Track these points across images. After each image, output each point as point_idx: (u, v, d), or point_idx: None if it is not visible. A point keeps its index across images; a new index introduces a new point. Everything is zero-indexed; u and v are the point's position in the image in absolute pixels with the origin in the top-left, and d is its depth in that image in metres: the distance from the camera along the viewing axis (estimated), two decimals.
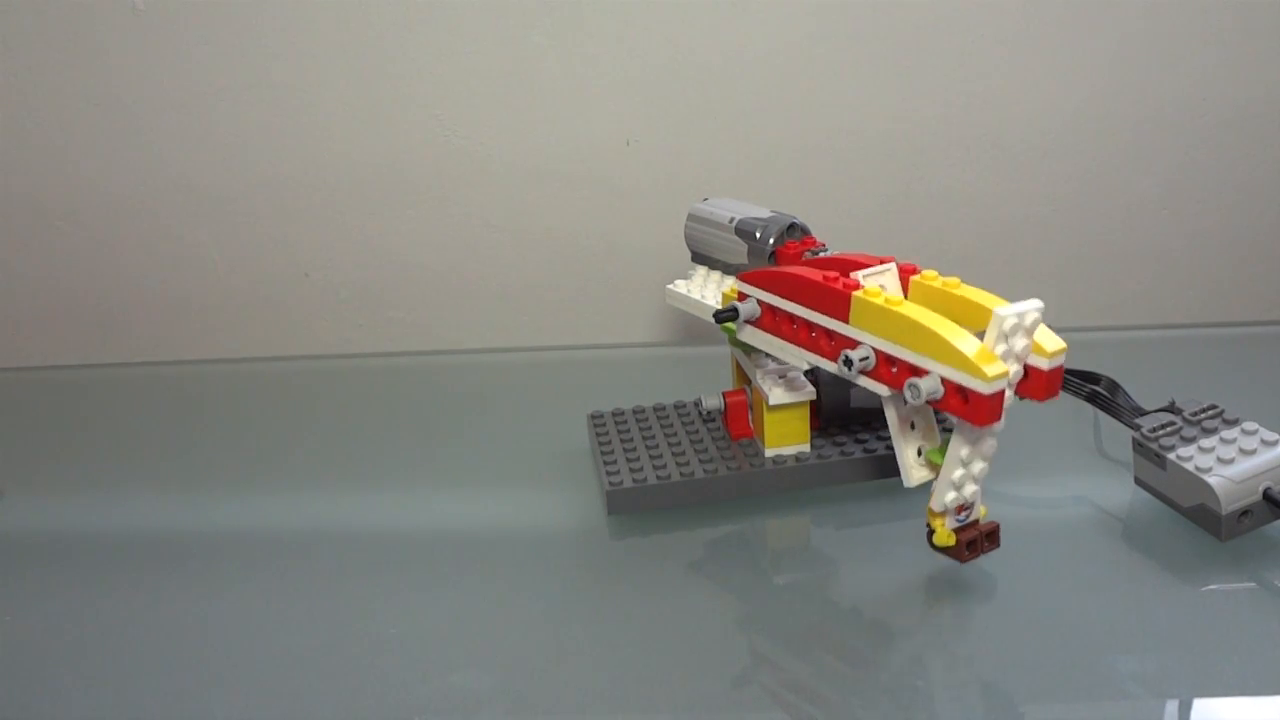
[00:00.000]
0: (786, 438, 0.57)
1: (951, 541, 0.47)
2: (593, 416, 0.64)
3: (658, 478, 0.56)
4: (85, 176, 0.85)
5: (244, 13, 0.80)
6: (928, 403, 0.44)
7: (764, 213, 0.58)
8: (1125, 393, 0.60)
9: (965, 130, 0.83)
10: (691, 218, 0.61)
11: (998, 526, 0.48)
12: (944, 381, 0.43)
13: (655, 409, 0.65)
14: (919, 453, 0.49)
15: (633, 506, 0.56)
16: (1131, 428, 0.56)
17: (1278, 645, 0.44)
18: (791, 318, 0.51)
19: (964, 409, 0.43)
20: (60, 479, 0.67)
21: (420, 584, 0.52)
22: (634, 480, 0.56)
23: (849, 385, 0.59)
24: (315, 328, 0.90)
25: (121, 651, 0.48)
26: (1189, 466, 0.50)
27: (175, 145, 0.84)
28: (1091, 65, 0.81)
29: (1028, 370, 0.44)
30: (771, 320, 0.52)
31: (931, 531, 0.48)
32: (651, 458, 0.58)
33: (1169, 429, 0.53)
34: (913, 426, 0.49)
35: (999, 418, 0.42)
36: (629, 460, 0.58)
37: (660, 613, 0.49)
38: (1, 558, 0.58)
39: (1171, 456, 0.51)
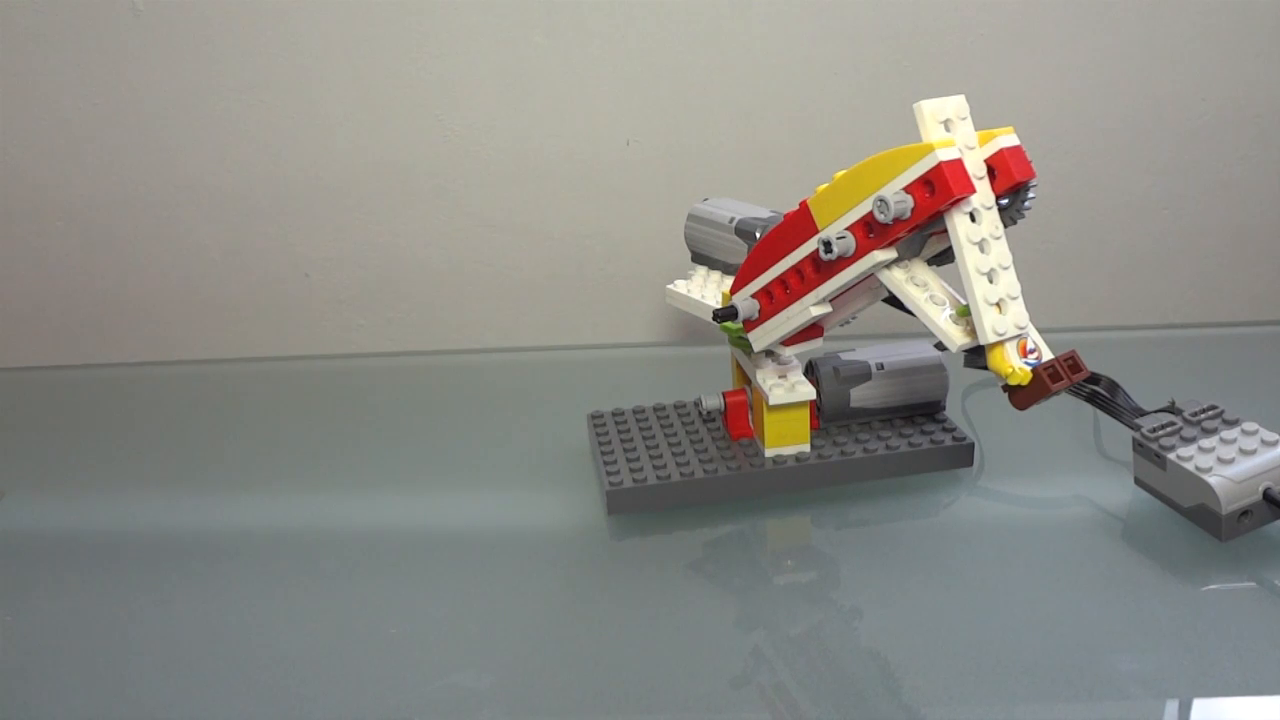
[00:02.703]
0: (786, 438, 0.57)
1: (1027, 379, 0.44)
2: (593, 416, 0.64)
3: (658, 478, 0.56)
4: (85, 177, 0.85)
5: (244, 13, 0.80)
6: (902, 223, 0.43)
7: (764, 213, 0.58)
8: (1125, 393, 0.60)
9: None
10: (691, 218, 0.61)
11: (1075, 353, 0.44)
12: (906, 190, 0.43)
13: (655, 409, 0.65)
14: (949, 319, 0.46)
15: (633, 506, 0.56)
16: (1131, 428, 0.56)
17: (1277, 645, 0.44)
18: (782, 280, 0.51)
19: (932, 199, 0.42)
20: (60, 479, 0.67)
21: (420, 584, 0.52)
22: (634, 480, 0.56)
23: (849, 385, 0.60)
24: (315, 328, 0.90)
25: (121, 651, 0.48)
26: (1189, 466, 0.50)
27: (175, 145, 0.84)
28: (1090, 65, 0.81)
29: (994, 164, 0.44)
30: (769, 300, 0.52)
31: (1009, 387, 0.45)
32: (651, 458, 0.58)
33: (1169, 429, 0.53)
34: (926, 289, 0.47)
35: (971, 186, 0.42)
36: (629, 460, 0.58)
37: (660, 613, 0.49)
38: (1, 558, 0.58)
39: (1171, 456, 0.51)
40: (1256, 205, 0.85)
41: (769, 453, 0.57)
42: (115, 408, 0.80)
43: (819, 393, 0.59)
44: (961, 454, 0.58)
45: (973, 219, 0.44)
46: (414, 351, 0.90)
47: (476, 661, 0.46)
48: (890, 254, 0.46)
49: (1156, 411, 0.56)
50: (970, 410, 0.68)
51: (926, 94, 0.85)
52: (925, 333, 0.48)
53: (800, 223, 0.49)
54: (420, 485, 0.64)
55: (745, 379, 0.60)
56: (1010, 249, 0.44)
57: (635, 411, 0.65)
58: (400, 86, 0.82)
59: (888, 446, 0.58)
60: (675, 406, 0.65)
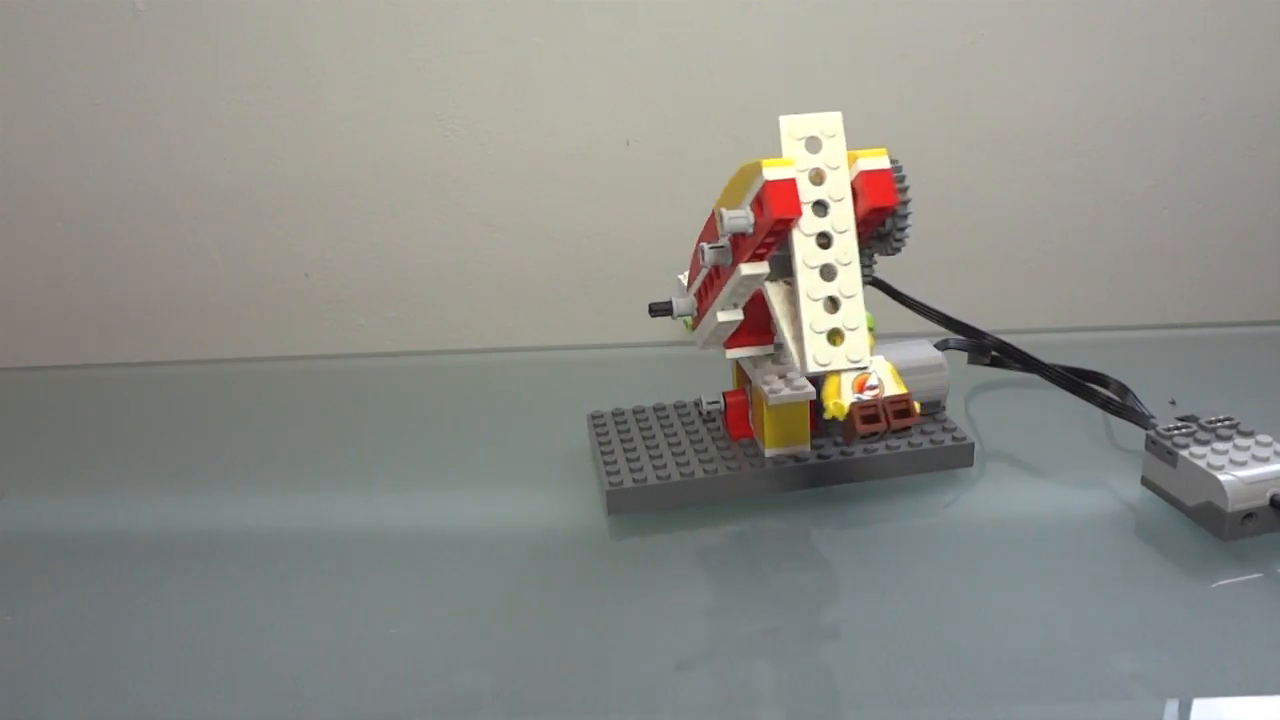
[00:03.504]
0: (786, 438, 0.57)
1: (842, 414, 0.42)
2: (593, 416, 0.64)
3: (658, 478, 0.56)
4: (85, 177, 0.85)
5: (244, 13, 0.80)
6: (749, 239, 0.43)
7: None
8: (1134, 396, 0.61)
9: (964, 130, 0.83)
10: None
11: (908, 398, 0.42)
12: (751, 206, 0.42)
13: (655, 409, 0.65)
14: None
15: (633, 506, 0.56)
16: (1145, 427, 0.56)
17: (1278, 645, 0.44)
18: (705, 283, 0.52)
19: (764, 217, 0.41)
20: (60, 479, 0.67)
21: (420, 584, 0.52)
22: (634, 480, 0.56)
23: None
24: (315, 328, 0.90)
25: (121, 651, 0.48)
26: (1200, 464, 0.50)
27: (175, 145, 0.84)
28: (1090, 65, 0.81)
29: (855, 188, 0.42)
30: (701, 300, 0.53)
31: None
32: (651, 458, 0.58)
33: (1184, 430, 0.53)
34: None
35: (795, 209, 0.41)
36: (629, 460, 0.58)
37: (660, 613, 0.49)
38: (1, 558, 0.58)
39: (1184, 454, 0.51)
40: (1257, 205, 0.85)
41: (769, 453, 0.57)
42: (115, 408, 0.80)
43: (819, 393, 0.59)
44: (961, 454, 0.58)
45: (823, 242, 0.42)
46: (414, 351, 0.90)
47: (476, 661, 0.46)
48: (758, 269, 0.44)
49: (1175, 420, 0.56)
50: (970, 410, 0.67)
51: (926, 94, 0.85)
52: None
53: (711, 226, 0.49)
54: (420, 485, 0.64)
55: (745, 379, 0.60)
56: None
57: (635, 411, 0.65)
58: (400, 86, 0.82)
59: (888, 446, 0.58)
60: (675, 406, 0.65)
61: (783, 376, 0.57)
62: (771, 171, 0.41)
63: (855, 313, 0.42)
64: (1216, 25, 0.80)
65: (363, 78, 0.81)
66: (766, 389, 0.55)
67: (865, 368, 0.42)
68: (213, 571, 0.54)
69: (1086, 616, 0.46)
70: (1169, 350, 0.81)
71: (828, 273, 0.42)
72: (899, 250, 0.43)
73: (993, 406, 0.68)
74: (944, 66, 0.81)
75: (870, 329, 0.43)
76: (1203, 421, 0.54)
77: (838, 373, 0.42)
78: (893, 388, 0.43)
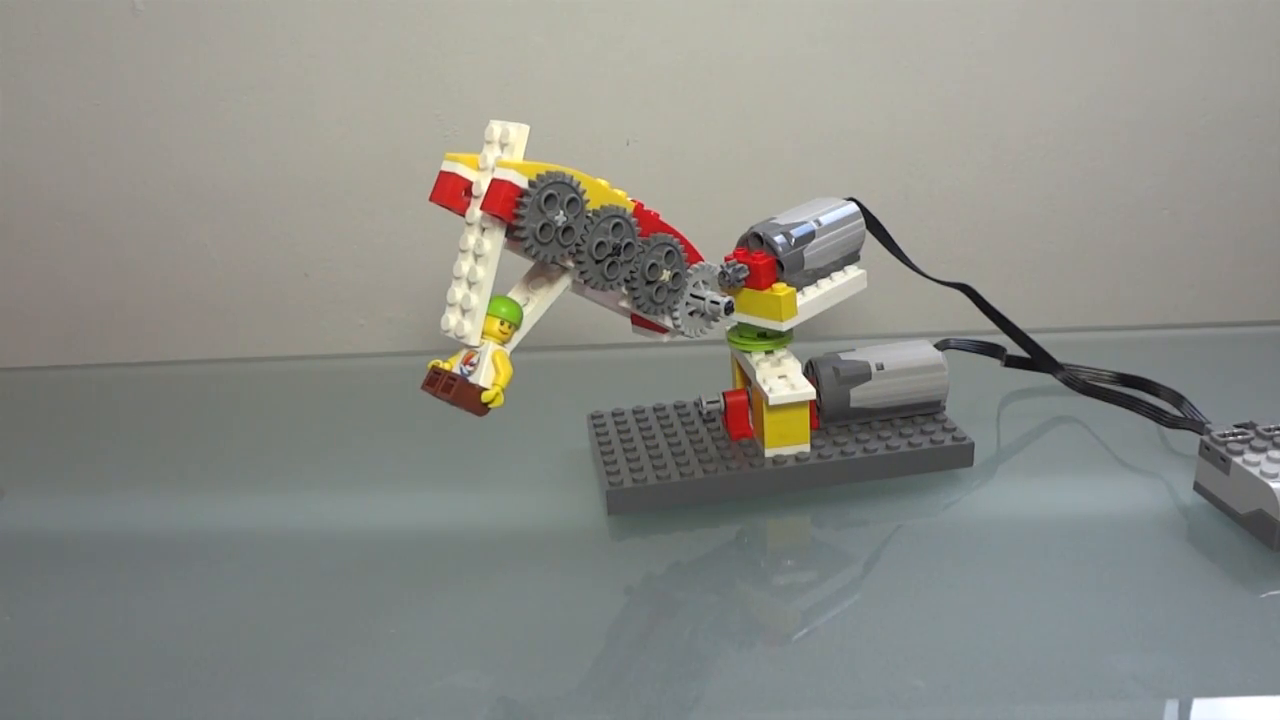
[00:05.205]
0: (786, 438, 0.57)
1: (428, 368, 0.49)
2: (593, 417, 0.64)
3: (658, 478, 0.56)
4: (85, 177, 0.85)
5: (244, 13, 0.80)
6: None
7: (792, 219, 0.57)
8: (1190, 404, 0.61)
9: (965, 130, 0.83)
10: None
11: (453, 378, 0.48)
12: None
13: (655, 409, 0.65)
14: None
15: (633, 506, 0.56)
16: (1200, 432, 0.56)
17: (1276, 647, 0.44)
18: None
19: None
20: (60, 479, 0.67)
21: (420, 584, 0.52)
22: (634, 480, 0.56)
23: (849, 385, 0.60)
24: (315, 328, 0.90)
25: (121, 651, 0.48)
26: (1254, 471, 0.50)
27: (175, 145, 0.84)
28: (1091, 65, 0.81)
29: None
30: None
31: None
32: (651, 458, 0.58)
33: (1240, 437, 0.53)
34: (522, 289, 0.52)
35: (440, 196, 0.48)
36: (629, 460, 0.58)
37: (660, 613, 0.49)
38: (1, 558, 0.58)
39: (1237, 460, 0.51)
40: (1257, 206, 0.86)
41: (769, 453, 0.57)
42: (115, 408, 0.80)
43: (819, 393, 0.59)
44: (961, 454, 0.58)
45: (480, 231, 0.48)
46: (414, 352, 0.90)
47: (476, 661, 0.46)
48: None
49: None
50: (971, 410, 0.67)
51: (926, 94, 0.85)
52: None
53: None
54: (420, 485, 0.64)
55: (745, 379, 0.60)
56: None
57: (635, 411, 0.65)
58: (400, 86, 0.82)
59: (888, 446, 0.58)
60: (675, 406, 0.65)
61: (783, 376, 0.57)
62: (445, 165, 0.48)
63: (475, 299, 0.48)
64: (1216, 25, 0.80)
65: (362, 78, 0.81)
66: (766, 389, 0.55)
67: (470, 345, 0.49)
68: (213, 571, 0.55)
69: (1087, 617, 0.46)
70: (1169, 350, 0.81)
71: (478, 260, 0.48)
72: (534, 257, 0.48)
73: (993, 406, 0.68)
74: (945, 67, 0.81)
75: (508, 320, 0.49)
76: (1260, 428, 0.54)
77: (461, 345, 0.49)
78: (482, 374, 0.48)
